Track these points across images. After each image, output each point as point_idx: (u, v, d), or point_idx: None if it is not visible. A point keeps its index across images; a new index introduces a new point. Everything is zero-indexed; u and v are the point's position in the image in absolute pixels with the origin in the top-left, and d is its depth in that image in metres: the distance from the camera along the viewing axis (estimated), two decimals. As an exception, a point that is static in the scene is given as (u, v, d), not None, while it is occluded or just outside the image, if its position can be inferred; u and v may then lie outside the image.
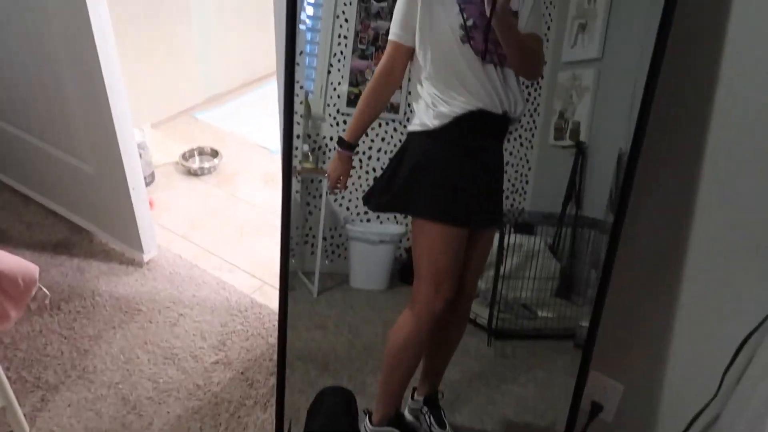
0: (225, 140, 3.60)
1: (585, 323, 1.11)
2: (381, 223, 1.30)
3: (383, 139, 1.29)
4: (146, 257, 2.59)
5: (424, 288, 1.22)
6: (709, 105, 1.03)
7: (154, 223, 2.64)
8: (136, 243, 2.55)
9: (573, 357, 1.17)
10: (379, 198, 1.24)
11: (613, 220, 1.02)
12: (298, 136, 1.25)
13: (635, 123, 0.95)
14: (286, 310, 1.24)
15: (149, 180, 3.13)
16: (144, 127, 3.36)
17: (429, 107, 1.12)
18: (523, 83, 1.11)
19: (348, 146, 1.20)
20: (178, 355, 2.14)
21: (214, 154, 3.38)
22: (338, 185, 1.24)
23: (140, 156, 2.92)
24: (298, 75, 1.14)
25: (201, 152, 3.41)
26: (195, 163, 3.33)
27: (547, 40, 1.13)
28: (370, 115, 1.20)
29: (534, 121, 1.21)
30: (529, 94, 1.17)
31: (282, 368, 1.30)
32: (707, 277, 1.19)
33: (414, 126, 1.16)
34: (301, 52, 1.23)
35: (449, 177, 1.17)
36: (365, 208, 1.31)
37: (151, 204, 2.92)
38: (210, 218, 2.95)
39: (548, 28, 1.12)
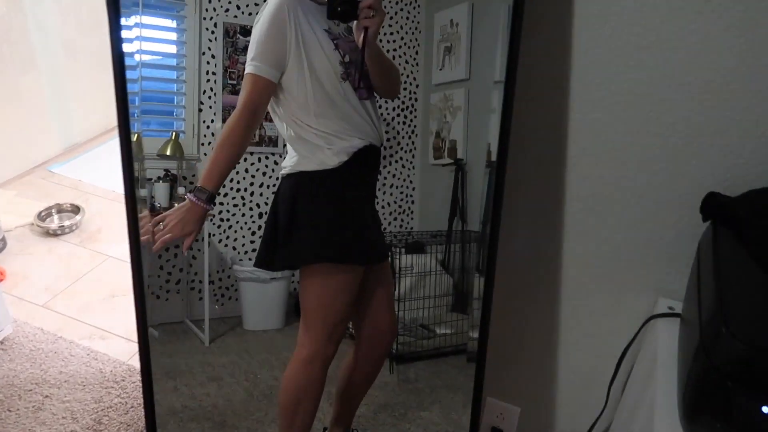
0: (87, 194, 3.33)
1: (475, 334, 1.14)
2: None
3: (264, 174, 1.25)
4: (-1, 336, 2.28)
5: (316, 336, 1.17)
6: (565, 109, 1.12)
7: (5, 296, 2.35)
8: (-16, 321, 2.24)
9: (471, 371, 1.18)
10: (284, 255, 1.14)
11: (490, 228, 1.07)
12: (149, 179, 1.16)
13: (499, 133, 1.01)
14: (149, 371, 1.12)
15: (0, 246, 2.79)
16: (-12, 190, 3.02)
17: (322, 147, 1.08)
18: (399, 107, 1.14)
19: (209, 197, 1.05)
20: (46, 442, 1.88)
21: (75, 210, 3.11)
22: (162, 244, 1.05)
23: (-16, 221, 2.60)
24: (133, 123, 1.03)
25: (60, 210, 3.11)
26: (53, 223, 3.04)
27: (417, 64, 1.18)
28: (234, 158, 1.09)
29: (413, 143, 1.24)
30: (406, 117, 1.21)
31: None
32: (583, 289, 1.26)
33: (304, 167, 1.10)
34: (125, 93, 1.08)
35: (353, 215, 1.14)
36: (252, 246, 1.25)
37: (1, 275, 2.61)
38: (74, 282, 2.68)
39: (416, 53, 1.17)
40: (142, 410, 1.99)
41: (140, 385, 2.09)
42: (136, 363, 2.25)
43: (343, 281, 1.15)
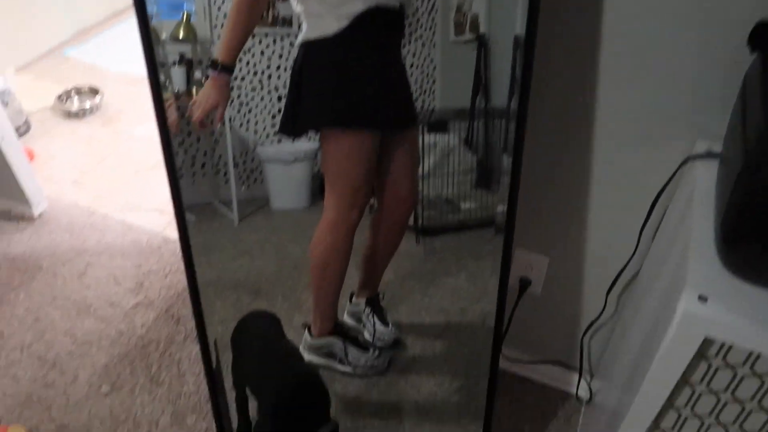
0: (103, 76, 3.31)
1: (503, 207, 1.16)
2: (293, 141, 1.27)
3: (281, 56, 1.22)
4: (36, 211, 2.41)
5: (338, 201, 1.22)
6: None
7: (37, 174, 2.44)
8: (20, 197, 2.35)
9: (498, 242, 1.23)
10: (294, 122, 1.19)
11: (519, 99, 1.04)
12: (163, 65, 1.16)
13: (528, 6, 0.97)
14: (187, 239, 1.20)
15: (24, 129, 2.85)
16: (6, 73, 3.00)
17: (322, 15, 1.08)
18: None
19: (224, 68, 1.11)
20: (93, 304, 2.06)
21: (94, 92, 3.10)
22: (206, 120, 1.14)
23: (6, 104, 2.63)
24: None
25: (79, 92, 3.12)
26: (74, 105, 3.05)
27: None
28: (246, 28, 1.12)
29: (433, 20, 1.19)
30: (425, -9, 1.15)
31: (197, 301, 1.28)
32: (616, 138, 1.24)
33: (308, 35, 1.12)
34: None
35: (358, 80, 1.14)
36: (273, 129, 1.27)
37: (30, 155, 2.68)
38: (101, 161, 2.76)
39: None
40: (180, 275, 2.15)
41: (176, 252, 2.23)
42: (169, 233, 2.39)
43: (357, 147, 1.18)
